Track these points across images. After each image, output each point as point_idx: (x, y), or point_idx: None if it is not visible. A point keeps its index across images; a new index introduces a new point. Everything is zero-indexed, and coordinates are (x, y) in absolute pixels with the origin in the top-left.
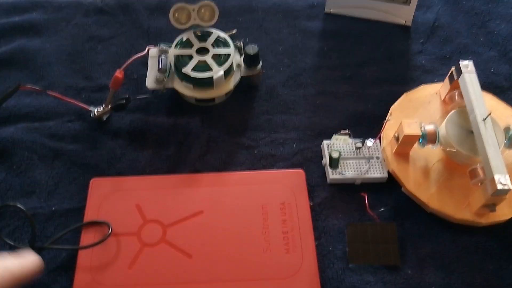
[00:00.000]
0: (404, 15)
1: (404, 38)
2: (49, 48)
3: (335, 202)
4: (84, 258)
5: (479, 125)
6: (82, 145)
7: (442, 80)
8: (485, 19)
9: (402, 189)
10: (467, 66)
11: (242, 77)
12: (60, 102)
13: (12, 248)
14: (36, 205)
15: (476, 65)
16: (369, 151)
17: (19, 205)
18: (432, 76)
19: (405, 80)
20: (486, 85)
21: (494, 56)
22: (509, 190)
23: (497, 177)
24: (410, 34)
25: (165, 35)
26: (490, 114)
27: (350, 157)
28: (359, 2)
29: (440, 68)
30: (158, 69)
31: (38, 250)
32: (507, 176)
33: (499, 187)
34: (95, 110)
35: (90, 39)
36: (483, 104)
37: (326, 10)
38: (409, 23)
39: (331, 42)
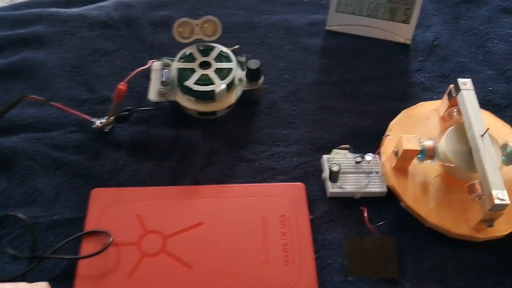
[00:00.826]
0: (404, 33)
1: (404, 56)
2: (53, 60)
3: (334, 215)
4: (84, 267)
5: (477, 141)
6: (84, 156)
7: (441, 97)
8: (484, 39)
9: (401, 203)
10: (466, 83)
11: (243, 91)
12: (63, 113)
13: (12, 257)
14: (37, 214)
15: (475, 84)
16: (368, 166)
17: (20, 215)
18: (431, 93)
19: (404, 97)
20: (484, 103)
21: (492, 75)
22: (506, 205)
23: (494, 192)
24: (410, 52)
25: (168, 49)
26: (487, 130)
27: (350, 172)
28: (359, 20)
29: (439, 85)
30: (161, 82)
31: (39, 259)
32: (505, 191)
33: (497, 202)
34: (98, 122)
35: (94, 52)
36: (481, 120)
37: (327, 27)
38: (409, 42)
39: (332, 59)
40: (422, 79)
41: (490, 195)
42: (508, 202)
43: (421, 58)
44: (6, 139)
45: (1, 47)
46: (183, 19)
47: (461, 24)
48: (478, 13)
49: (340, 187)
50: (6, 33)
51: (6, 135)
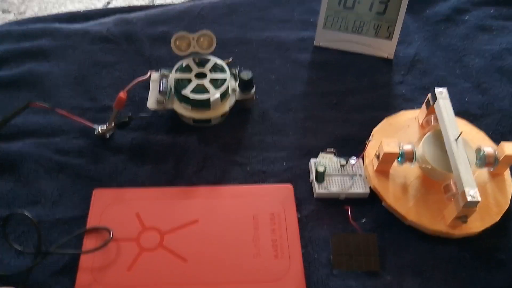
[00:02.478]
0: (386, 49)
1: (387, 70)
2: (57, 72)
3: (320, 214)
4: (86, 261)
5: (452, 144)
6: (86, 160)
7: (421, 107)
8: (461, 54)
9: (383, 203)
10: (442, 92)
11: (237, 101)
12: (66, 120)
13: (18, 253)
14: (41, 213)
15: (452, 95)
16: (352, 169)
17: (26, 213)
18: (411, 104)
19: (386, 107)
20: (461, 113)
21: (468, 87)
22: (478, 202)
23: (467, 190)
24: (392, 66)
25: (165, 63)
26: (461, 133)
27: (335, 174)
28: (345, 37)
29: (419, 97)
30: (159, 91)
31: (43, 255)
32: (476, 189)
33: (469, 198)
34: (99, 128)
35: (95, 65)
36: (456, 126)
37: (315, 43)
38: (391, 57)
39: (319, 72)
40: (404, 91)
41: (463, 192)
42: (479, 199)
43: (402, 72)
44: (12, 144)
45: (7, 60)
46: (180, 33)
47: (441, 41)
48: (456, 31)
49: (326, 188)
50: (12, 47)
51: (12, 140)
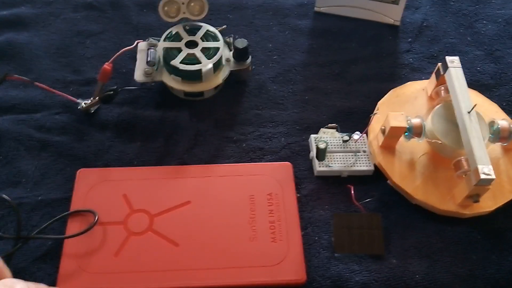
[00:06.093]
0: (392, 14)
1: (393, 37)
2: (37, 42)
3: (321, 193)
4: (70, 246)
5: (464, 117)
6: (70, 137)
7: (429, 78)
8: (472, 20)
9: (388, 181)
10: (453, 61)
11: (231, 72)
12: (48, 94)
13: None
14: (22, 195)
15: (463, 64)
16: (356, 145)
17: (4, 196)
18: (419, 74)
19: (392, 78)
20: (473, 83)
21: (480, 55)
22: (492, 180)
23: (480, 167)
24: (399, 33)
25: (154, 31)
26: (475, 106)
27: (337, 150)
28: (348, 1)
29: (428, 66)
30: (147, 62)
31: (24, 240)
32: (490, 167)
33: (483, 176)
34: (83, 102)
35: (79, 34)
36: (468, 97)
37: (316, 9)
38: (398, 23)
39: (320, 40)
40: (411, 60)
41: (476, 170)
42: (493, 176)
43: (409, 39)
44: None
45: None
46: None
47: (450, 5)
48: None
49: (327, 166)
50: None
51: None
